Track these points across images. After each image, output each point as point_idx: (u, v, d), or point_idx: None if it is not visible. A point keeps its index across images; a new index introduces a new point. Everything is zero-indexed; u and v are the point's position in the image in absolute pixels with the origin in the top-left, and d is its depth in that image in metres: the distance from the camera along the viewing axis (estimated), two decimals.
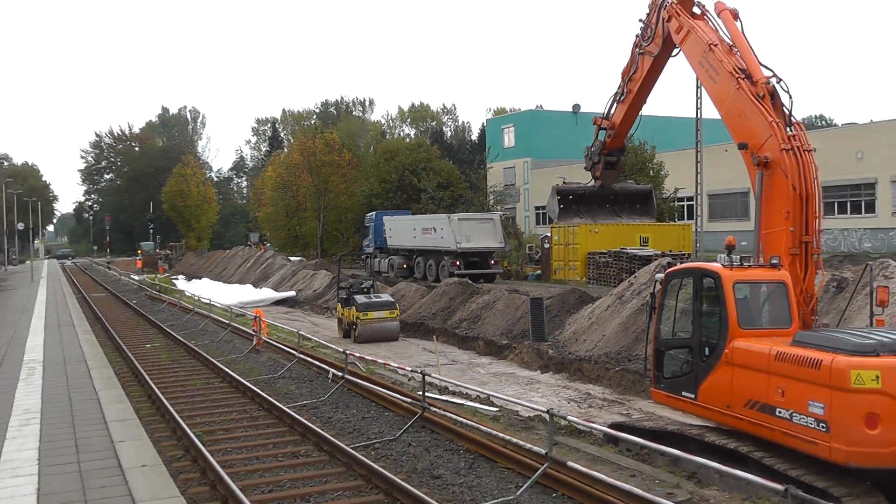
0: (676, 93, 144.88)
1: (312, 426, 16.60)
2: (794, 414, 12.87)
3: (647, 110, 28.14)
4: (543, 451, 13.31)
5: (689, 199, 60.47)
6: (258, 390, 20.69)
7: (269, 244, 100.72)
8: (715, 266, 15.21)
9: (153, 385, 21.39)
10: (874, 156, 60.69)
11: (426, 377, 17.70)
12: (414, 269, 59.77)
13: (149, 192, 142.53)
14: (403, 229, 61.47)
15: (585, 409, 22.25)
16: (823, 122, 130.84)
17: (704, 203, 57.98)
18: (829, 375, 12.23)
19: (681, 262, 21.52)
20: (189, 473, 14.07)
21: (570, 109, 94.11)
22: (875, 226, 60.22)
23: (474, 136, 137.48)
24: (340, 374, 21.83)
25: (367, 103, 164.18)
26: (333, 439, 15.46)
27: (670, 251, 46.05)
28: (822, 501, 9.60)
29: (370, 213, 70.19)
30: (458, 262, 53.21)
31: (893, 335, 13.14)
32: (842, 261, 35.35)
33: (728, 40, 18.70)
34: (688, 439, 15.11)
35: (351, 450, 14.64)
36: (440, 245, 55.39)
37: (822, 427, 12.32)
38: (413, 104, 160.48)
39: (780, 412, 13.16)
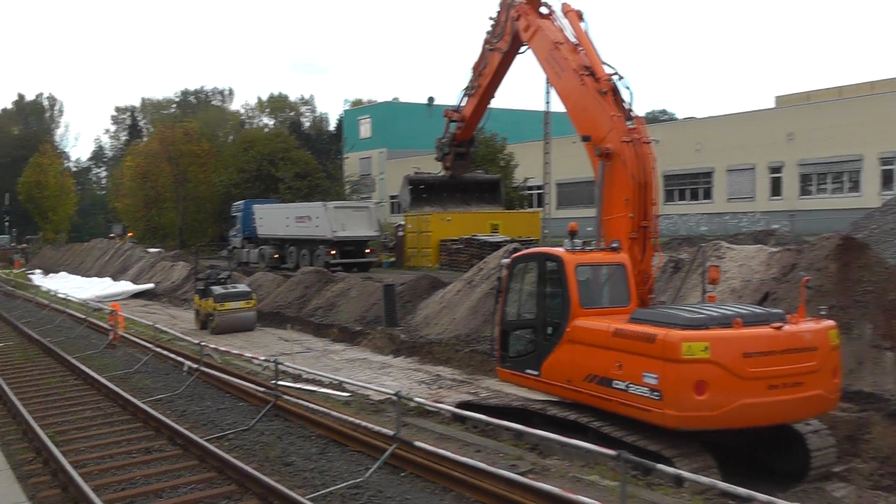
0: (527, 87, 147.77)
1: (166, 420, 16.20)
2: (630, 385, 13.44)
3: (498, 104, 28.43)
4: (391, 433, 13.36)
5: (539, 187, 61.60)
6: (113, 386, 20.03)
7: (130, 236, 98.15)
8: (558, 250, 15.72)
9: (4, 385, 20.48)
10: (711, 147, 64.19)
11: (280, 366, 17.52)
12: (286, 258, 57.40)
13: (4, 182, 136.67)
14: (275, 218, 59.21)
15: (436, 390, 22.41)
16: (665, 116, 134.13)
17: (552, 191, 59.31)
18: (662, 348, 12.88)
19: (527, 248, 21.85)
20: (40, 476, 13.49)
21: (425, 102, 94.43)
22: (711, 211, 63.56)
23: (332, 127, 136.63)
24: (196, 366, 21.39)
25: (226, 93, 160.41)
26: (187, 432, 15.13)
27: (519, 237, 46.59)
28: (649, 462, 10.08)
29: (238, 202, 67.57)
30: (333, 251, 51.83)
31: (722, 309, 13.96)
32: (680, 243, 36.32)
33: (573, 39, 19.05)
34: (531, 414, 15.51)
35: (204, 442, 14.38)
36: (315, 234, 53.68)
37: (656, 395, 12.95)
38: (272, 94, 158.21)
39: (617, 384, 13.71)
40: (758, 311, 14.26)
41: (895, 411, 16.55)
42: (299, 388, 19.43)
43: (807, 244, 24.52)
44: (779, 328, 13.37)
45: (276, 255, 58.21)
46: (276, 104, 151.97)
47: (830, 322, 14.44)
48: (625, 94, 17.25)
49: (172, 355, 24.10)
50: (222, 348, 23.65)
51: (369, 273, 47.02)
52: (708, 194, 64.71)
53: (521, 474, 11.59)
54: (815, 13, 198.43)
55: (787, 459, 14.63)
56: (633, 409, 13.44)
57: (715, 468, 13.05)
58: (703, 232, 57.18)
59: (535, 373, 15.63)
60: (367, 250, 53.77)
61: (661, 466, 9.95)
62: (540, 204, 60.88)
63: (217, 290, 34.97)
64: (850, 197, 56.24)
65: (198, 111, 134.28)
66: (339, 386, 19.83)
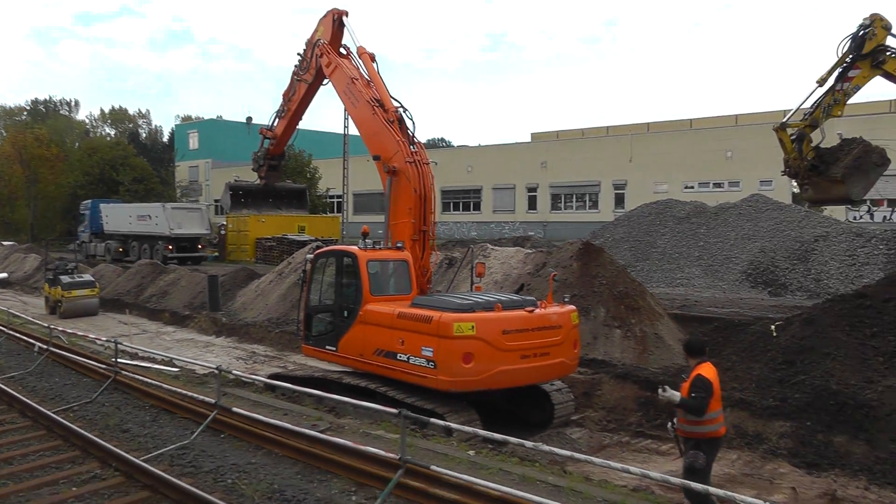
0: (331, 112, 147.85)
1: (17, 395, 15.25)
2: (411, 357, 13.82)
3: (306, 126, 28.38)
4: (213, 401, 13.17)
5: (339, 196, 61.92)
6: None
7: None
8: (353, 248, 15.92)
9: None
10: (480, 170, 67.05)
11: (119, 345, 16.92)
12: (129, 252, 54.39)
13: None
14: (119, 216, 56.30)
15: (251, 365, 22.20)
16: (444, 143, 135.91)
17: (350, 200, 59.64)
18: (437, 327, 13.33)
19: (327, 246, 22.01)
20: None
21: (244, 120, 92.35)
22: (480, 220, 66.35)
23: (165, 139, 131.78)
24: (46, 346, 20.22)
25: (72, 104, 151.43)
26: (37, 406, 14.29)
27: (322, 237, 46.71)
28: (423, 417, 10.35)
29: (86, 202, 63.56)
30: (170, 247, 49.93)
31: (486, 297, 14.59)
32: (455, 245, 37.05)
33: (366, 76, 19.16)
34: (330, 382, 15.67)
35: (52, 414, 13.66)
36: (154, 231, 51.45)
37: (432, 365, 13.39)
38: (113, 107, 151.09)
39: (400, 356, 14.07)
40: (515, 298, 14.92)
41: (620, 373, 17.60)
42: (136, 365, 18.71)
43: (556, 247, 25.56)
44: (531, 311, 14.11)
45: (121, 249, 55.34)
46: (117, 116, 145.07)
47: (572, 306, 15.27)
48: (409, 124, 17.58)
49: (24, 337, 22.68)
50: (69, 330, 22.73)
51: (196, 266, 45.90)
52: (477, 206, 67.28)
53: (321, 432, 11.68)
54: (561, 68, 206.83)
55: (536, 412, 15.48)
56: (413, 376, 13.82)
57: (478, 420, 13.55)
58: (474, 236, 58.86)
59: (334, 349, 15.82)
60: (200, 246, 52.27)
61: (434, 420, 10.29)
62: (339, 210, 61.14)
63: (65, 279, 33.47)
64: (590, 213, 59.40)
65: (47, 119, 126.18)
66: (170, 362, 19.32)
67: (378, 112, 17.73)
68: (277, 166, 27.36)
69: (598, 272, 21.30)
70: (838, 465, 13.37)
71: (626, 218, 36.16)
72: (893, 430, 13.57)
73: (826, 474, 13.20)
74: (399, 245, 16.28)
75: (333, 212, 66.44)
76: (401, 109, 17.72)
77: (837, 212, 35.93)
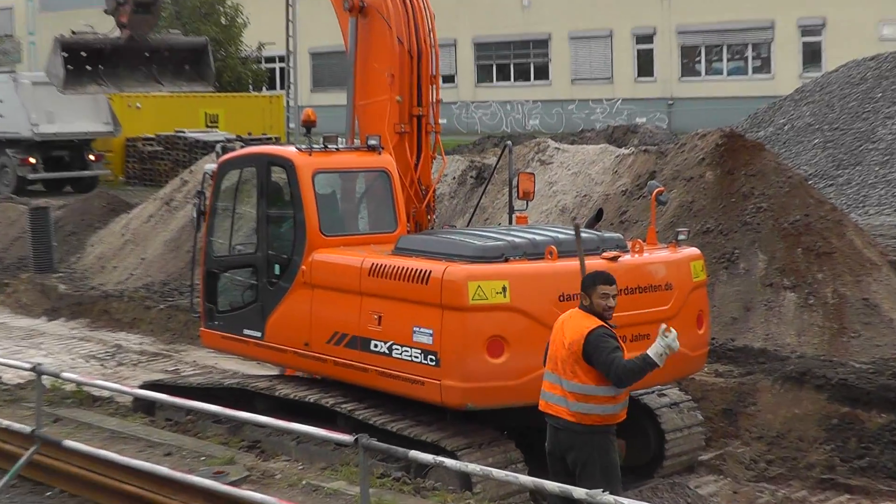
0: None
1: None
2: (394, 346, 13.66)
3: None
4: (30, 429, 13.29)
5: (281, 59, 61.19)
6: None
7: None
8: (287, 151, 16.00)
9: None
10: (546, 5, 64.50)
11: None
12: None
13: None
14: None
15: (114, 369, 22.50)
16: None
17: (304, 65, 59.36)
18: (439, 290, 13.05)
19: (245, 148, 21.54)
20: None
21: None
22: (547, 97, 64.71)
23: None
24: None
25: None
26: None
27: (249, 134, 46.37)
28: (396, 448, 10.15)
29: None
30: (33, 160, 47.61)
31: (530, 234, 14.46)
32: (496, 143, 37.20)
33: None
34: (253, 395, 15.72)
35: None
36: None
37: (431, 360, 13.16)
38: None
39: (375, 345, 13.93)
40: (584, 235, 14.03)
41: (793, 373, 17.20)
42: None
43: (675, 145, 25.31)
44: (613, 259, 13.54)
45: None
46: None
47: (694, 251, 15.21)
48: None
49: None
50: None
51: (83, 193, 44.97)
52: (543, 73, 65.65)
53: (231, 484, 11.97)
54: None
55: (635, 445, 14.92)
56: (398, 381, 13.66)
57: (522, 462, 13.38)
58: (535, 127, 58.53)
59: (258, 334, 15.82)
60: (92, 157, 49.53)
61: (414, 456, 9.95)
62: (283, 83, 60.71)
63: None
64: (755, 79, 58.54)
65: None
66: None
67: None
68: (152, 4, 27.60)
69: (752, 188, 21.40)
70: None
71: (819, 87, 36.05)
72: None
73: None
74: (373, 143, 15.95)
75: (274, 87, 66.31)
76: None
77: None
